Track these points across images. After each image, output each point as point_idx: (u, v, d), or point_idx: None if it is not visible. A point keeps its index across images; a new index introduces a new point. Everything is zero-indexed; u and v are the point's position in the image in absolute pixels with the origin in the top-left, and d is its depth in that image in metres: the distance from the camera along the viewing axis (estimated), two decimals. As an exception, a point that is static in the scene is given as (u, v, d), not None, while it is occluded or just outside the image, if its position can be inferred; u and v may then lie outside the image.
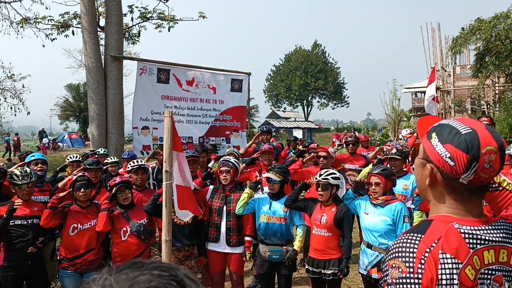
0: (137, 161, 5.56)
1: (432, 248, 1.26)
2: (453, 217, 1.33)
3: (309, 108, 67.00)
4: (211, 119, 9.59)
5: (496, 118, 13.86)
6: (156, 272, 0.69)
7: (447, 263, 1.24)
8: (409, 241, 1.30)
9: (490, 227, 1.33)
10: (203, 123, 9.49)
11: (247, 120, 10.22)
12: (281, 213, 4.74)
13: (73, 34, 10.94)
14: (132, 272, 0.69)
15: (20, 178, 4.50)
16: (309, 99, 66.07)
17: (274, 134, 30.11)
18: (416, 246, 1.27)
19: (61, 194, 4.54)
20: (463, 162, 1.27)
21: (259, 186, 5.30)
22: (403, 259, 1.26)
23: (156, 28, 11.56)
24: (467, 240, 1.28)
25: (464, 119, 1.36)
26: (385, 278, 1.29)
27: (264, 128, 7.42)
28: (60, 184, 5.23)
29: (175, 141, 3.79)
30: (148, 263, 0.72)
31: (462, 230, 1.29)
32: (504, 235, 1.33)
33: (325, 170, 4.73)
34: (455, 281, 1.23)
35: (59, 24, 10.81)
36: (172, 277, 0.69)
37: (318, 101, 67.02)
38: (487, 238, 1.30)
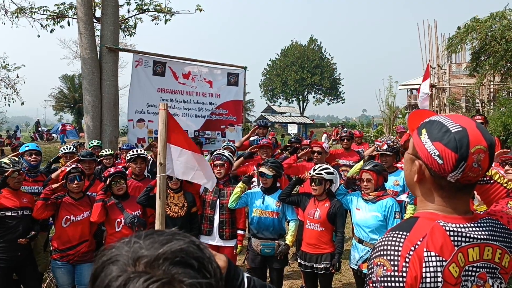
0: (136, 150, 5.57)
1: (417, 247, 1.26)
2: (439, 215, 1.34)
3: (305, 104, 66.97)
4: (207, 112, 9.57)
5: (490, 117, 13.93)
6: (178, 237, 0.77)
7: (432, 261, 1.24)
8: (394, 239, 1.30)
9: (475, 225, 1.33)
10: (199, 117, 9.46)
11: (242, 114, 10.20)
12: (274, 207, 4.76)
13: (69, 24, 10.85)
14: (158, 237, 0.76)
15: (11, 166, 4.50)
16: (305, 94, 65.99)
17: (270, 128, 30.10)
18: (401, 244, 1.27)
19: (54, 186, 4.54)
20: (451, 161, 1.26)
21: (253, 180, 5.31)
22: (388, 257, 1.27)
23: (152, 20, 11.51)
24: (452, 238, 1.28)
25: (455, 116, 1.35)
26: (370, 276, 1.30)
27: (261, 122, 7.43)
28: (53, 175, 5.22)
29: (174, 134, 3.77)
30: (168, 230, 0.80)
31: (447, 228, 1.30)
32: (489, 232, 1.34)
33: (319, 165, 4.75)
34: (439, 279, 1.24)
35: (55, 14, 10.72)
36: (192, 242, 0.77)
37: (313, 97, 66.98)
38: (472, 235, 1.30)
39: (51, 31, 10.91)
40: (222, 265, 1.25)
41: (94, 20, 9.45)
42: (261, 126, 7.27)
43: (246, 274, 1.34)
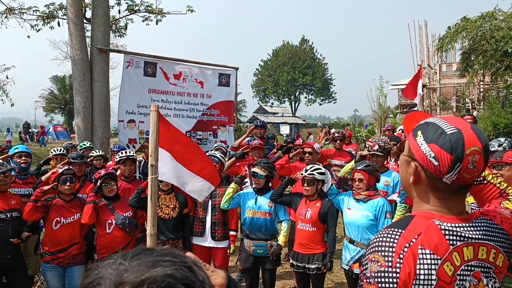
0: (125, 152, 5.54)
1: (411, 244, 1.28)
2: (435, 214, 1.35)
3: (297, 104, 67.11)
4: (199, 113, 9.55)
5: (480, 116, 14.05)
6: (168, 258, 0.72)
7: (426, 259, 1.26)
8: (389, 235, 1.32)
9: (470, 224, 1.35)
10: (191, 117, 9.44)
11: (234, 114, 10.20)
12: (266, 208, 4.76)
13: (59, 25, 10.76)
14: (146, 258, 0.71)
15: None
16: (297, 94, 66.14)
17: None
18: (396, 241, 1.29)
19: (45, 188, 4.50)
20: (447, 163, 1.27)
21: (245, 181, 5.31)
22: (383, 253, 1.28)
23: (143, 21, 11.47)
24: (447, 237, 1.30)
25: (450, 118, 1.36)
26: (365, 272, 1.31)
27: (258, 123, 7.46)
28: (43, 178, 5.18)
29: (165, 137, 3.76)
30: (158, 249, 0.75)
31: (442, 227, 1.31)
32: (483, 232, 1.35)
33: (311, 165, 4.76)
34: (433, 277, 1.26)
35: (45, 15, 10.64)
36: (183, 264, 0.72)
37: (305, 97, 67.15)
38: (467, 235, 1.32)
39: (38, 30, 10.81)
40: (221, 282, 1.20)
41: (85, 21, 9.38)
42: (258, 127, 7.29)
43: None
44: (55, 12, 10.62)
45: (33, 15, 10.72)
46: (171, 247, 4.45)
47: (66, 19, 9.28)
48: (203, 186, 4.03)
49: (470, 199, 3.51)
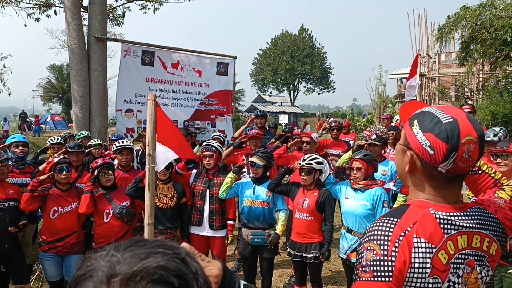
0: (122, 141, 5.53)
1: (407, 232, 1.28)
2: (430, 203, 1.36)
3: (295, 93, 66.96)
4: (197, 102, 9.52)
5: (478, 106, 14.06)
6: (160, 250, 0.71)
7: (421, 247, 1.27)
8: (385, 224, 1.33)
9: (464, 213, 1.36)
10: (188, 107, 9.41)
11: (232, 104, 10.18)
12: (264, 197, 4.77)
13: (56, 14, 10.71)
14: (138, 250, 0.71)
15: None
16: (296, 84, 65.96)
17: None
18: (391, 229, 1.30)
19: (41, 177, 4.49)
20: (442, 152, 1.28)
21: (243, 170, 5.31)
22: (378, 242, 1.29)
23: (141, 9, 11.41)
24: (442, 226, 1.31)
25: (446, 107, 1.37)
26: (360, 260, 1.32)
27: (259, 112, 7.48)
28: (41, 167, 5.17)
29: (160, 130, 3.76)
30: (151, 241, 0.74)
31: (437, 216, 1.32)
32: (477, 221, 1.37)
33: (309, 155, 4.76)
34: (428, 265, 1.27)
35: (41, 3, 10.57)
36: (175, 255, 0.71)
37: (304, 86, 66.98)
38: (461, 224, 1.33)
39: (37, 20, 10.74)
40: (217, 272, 1.19)
41: (82, 9, 9.31)
42: (258, 116, 7.31)
43: (243, 282, 1.29)
44: (51, 0, 10.54)
45: (29, 3, 10.65)
46: (169, 237, 4.49)
47: (62, 7, 9.21)
48: (169, 154, 4.13)
49: (469, 193, 3.52)
